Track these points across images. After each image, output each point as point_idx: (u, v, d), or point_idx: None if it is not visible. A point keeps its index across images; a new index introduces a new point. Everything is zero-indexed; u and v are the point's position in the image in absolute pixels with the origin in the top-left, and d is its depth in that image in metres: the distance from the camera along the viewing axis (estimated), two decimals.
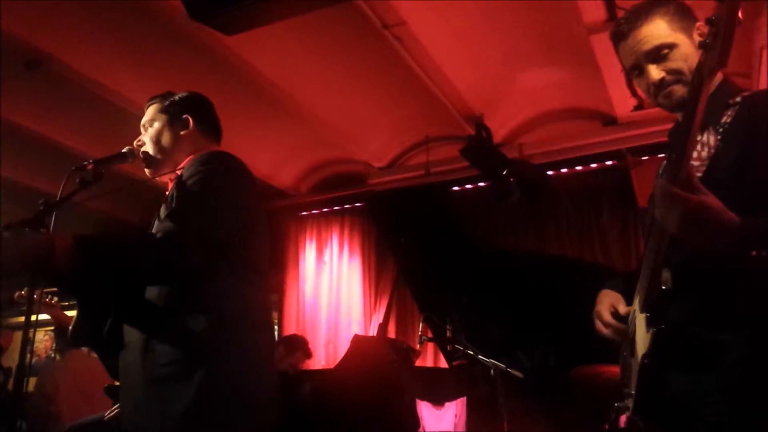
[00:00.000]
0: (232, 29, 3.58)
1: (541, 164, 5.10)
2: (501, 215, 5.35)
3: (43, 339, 7.57)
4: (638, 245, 4.97)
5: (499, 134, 5.16)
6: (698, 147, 1.52)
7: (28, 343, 1.76)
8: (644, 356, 1.45)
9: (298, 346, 4.64)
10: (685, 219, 1.29)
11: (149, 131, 2.09)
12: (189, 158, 2.04)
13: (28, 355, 1.72)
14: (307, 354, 4.76)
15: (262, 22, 3.50)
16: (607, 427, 2.89)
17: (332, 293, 6.13)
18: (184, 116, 2.10)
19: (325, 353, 5.90)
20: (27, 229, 1.64)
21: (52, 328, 7.38)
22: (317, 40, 4.13)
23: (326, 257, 6.29)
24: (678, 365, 1.48)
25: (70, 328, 1.85)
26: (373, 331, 5.68)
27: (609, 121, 5.06)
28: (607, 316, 1.68)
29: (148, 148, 2.08)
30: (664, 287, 1.46)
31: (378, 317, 5.78)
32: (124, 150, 2.07)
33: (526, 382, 3.22)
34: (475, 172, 5.06)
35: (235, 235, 1.83)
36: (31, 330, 1.77)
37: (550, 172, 5.19)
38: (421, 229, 4.71)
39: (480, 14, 3.98)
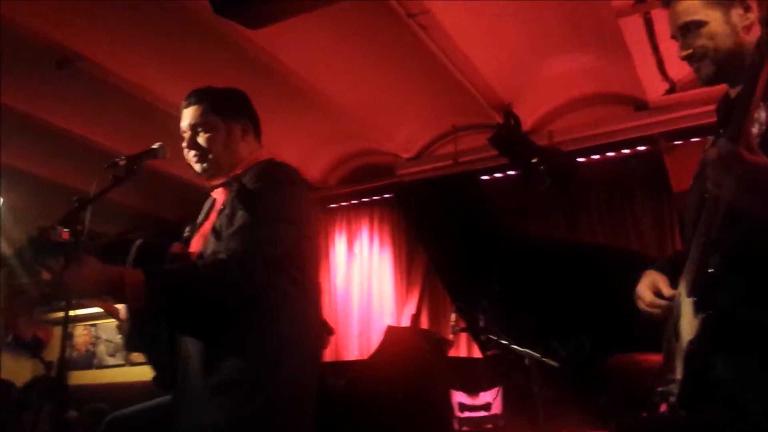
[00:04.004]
0: (256, 23, 3.60)
1: (571, 151, 5.04)
2: (531, 204, 5.29)
3: (81, 334, 7.74)
4: (673, 231, 4.88)
5: (527, 122, 5.11)
6: None
7: (67, 337, 1.79)
8: (691, 342, 1.42)
9: None
10: (744, 180, 1.26)
11: (204, 134, 1.99)
12: (245, 163, 2.01)
13: (68, 349, 1.74)
14: (329, 330, 4.77)
15: (286, 15, 3.51)
16: (647, 414, 2.85)
17: (363, 285, 6.14)
18: (243, 121, 2.05)
19: (358, 344, 5.92)
20: (98, 253, 1.67)
21: (91, 323, 7.61)
22: (342, 31, 4.12)
23: (356, 249, 6.30)
24: (725, 350, 1.45)
25: (124, 335, 1.86)
26: (405, 322, 5.68)
27: (640, 105, 4.97)
28: (650, 296, 1.65)
29: (209, 154, 1.99)
30: (711, 270, 1.44)
31: (410, 308, 5.78)
32: (154, 146, 2.00)
33: (562, 371, 3.19)
34: (504, 160, 5.02)
35: (297, 249, 1.87)
36: (70, 325, 1.80)
37: (580, 159, 5.12)
38: (450, 219, 4.69)
39: (505, 0, 3.93)
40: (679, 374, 1.48)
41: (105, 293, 1.64)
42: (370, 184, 6.18)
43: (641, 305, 1.69)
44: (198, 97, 2.03)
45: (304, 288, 1.89)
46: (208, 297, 1.72)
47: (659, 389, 1.58)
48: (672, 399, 1.51)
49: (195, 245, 1.99)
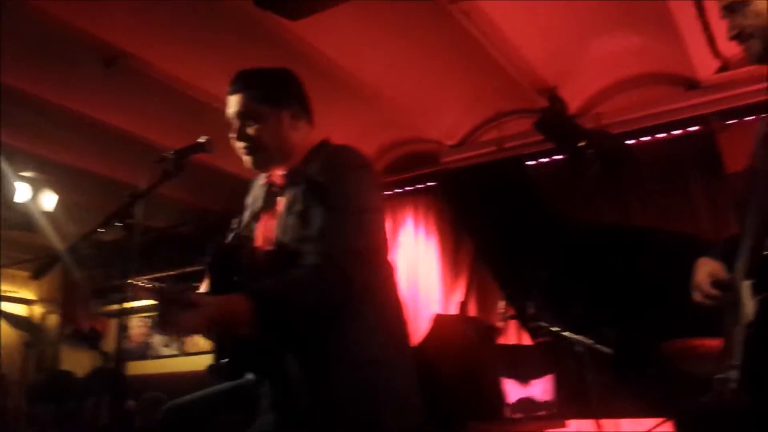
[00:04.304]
0: (296, 14, 3.61)
1: (620, 133, 4.91)
2: (580, 188, 5.19)
3: (137, 325, 7.95)
4: (728, 213, 4.73)
5: (574, 104, 5.00)
6: None
7: (123, 329, 1.82)
8: (749, 325, 1.38)
9: None
10: None
11: (252, 125, 1.92)
12: (299, 150, 1.97)
13: (124, 341, 1.78)
14: None
15: (326, 5, 3.51)
16: (705, 401, 2.77)
17: (410, 274, 6.13)
18: (293, 107, 1.98)
19: None
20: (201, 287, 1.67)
21: (146, 315, 7.81)
22: (382, 19, 4.10)
23: (401, 238, 6.29)
24: None
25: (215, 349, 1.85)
26: (452, 310, 5.66)
27: (691, 84, 4.82)
28: (707, 287, 1.60)
29: (256, 143, 1.93)
30: (767, 253, 1.39)
31: (457, 296, 5.75)
32: (201, 140, 2.00)
33: (615, 357, 3.13)
34: (550, 145, 4.93)
35: (377, 237, 1.85)
36: (126, 317, 1.84)
37: (630, 142, 5.00)
38: (496, 206, 4.64)
39: None
40: (738, 359, 1.43)
41: (219, 329, 1.64)
42: (414, 173, 6.16)
43: (698, 297, 1.65)
44: (244, 83, 1.95)
45: (385, 275, 1.88)
46: (315, 309, 1.69)
47: (718, 375, 1.54)
48: (732, 384, 1.47)
49: (260, 237, 1.96)
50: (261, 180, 2.13)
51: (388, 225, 6.21)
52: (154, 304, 1.63)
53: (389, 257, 1.94)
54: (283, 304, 1.65)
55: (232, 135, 1.97)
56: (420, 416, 1.82)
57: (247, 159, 1.96)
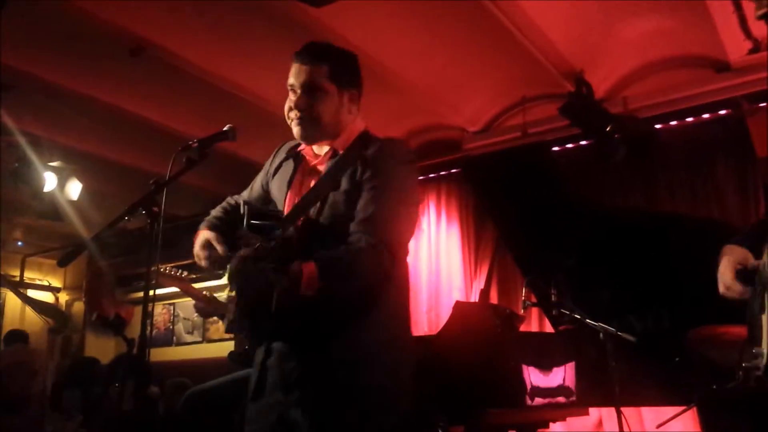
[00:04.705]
0: (320, 1, 3.59)
1: (647, 118, 4.83)
2: (606, 174, 5.11)
3: (161, 312, 8.07)
4: (757, 198, 4.64)
5: (600, 89, 4.92)
6: None
7: (147, 316, 1.85)
8: None
9: None
10: None
11: (316, 99, 1.93)
12: (347, 132, 2.00)
13: (148, 328, 1.81)
14: None
15: None
16: (730, 388, 2.74)
17: (431, 261, 6.12)
18: (355, 89, 2.02)
19: (428, 320, 5.92)
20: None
21: (170, 302, 7.93)
22: (406, 5, 4.06)
23: (424, 225, 6.27)
24: None
25: (227, 320, 1.89)
26: (474, 298, 5.64)
27: (721, 67, 4.71)
28: (730, 279, 1.57)
29: (315, 117, 1.94)
30: None
31: (479, 283, 5.73)
32: (225, 128, 2.04)
33: (639, 345, 3.09)
34: (576, 130, 4.87)
35: (414, 230, 1.95)
36: (150, 304, 1.86)
37: (657, 126, 4.90)
38: (520, 192, 4.59)
39: None
40: (765, 346, 1.40)
41: (300, 293, 1.67)
42: (437, 159, 6.13)
43: (721, 288, 1.62)
44: (316, 56, 1.96)
45: (404, 264, 1.96)
46: (364, 283, 1.78)
47: (744, 363, 1.51)
48: (758, 372, 1.44)
49: (289, 206, 1.99)
50: (286, 150, 2.16)
51: None
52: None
53: (406, 254, 2.00)
54: (342, 273, 1.74)
55: (290, 104, 1.98)
56: (409, 406, 1.87)
57: (296, 129, 1.97)
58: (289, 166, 2.09)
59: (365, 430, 1.75)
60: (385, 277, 1.79)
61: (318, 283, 1.66)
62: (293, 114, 1.95)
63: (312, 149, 2.03)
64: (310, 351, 1.78)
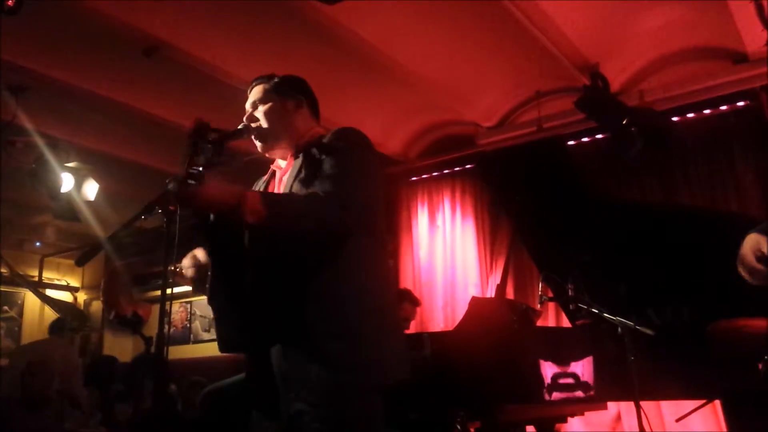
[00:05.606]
0: None
1: (664, 110, 4.78)
2: (623, 167, 5.06)
3: (178, 311, 8.13)
4: None
5: (616, 82, 4.89)
6: None
7: (165, 314, 1.85)
8: None
9: (403, 297, 4.64)
10: None
11: (262, 109, 2.14)
12: (306, 137, 2.11)
13: (166, 326, 1.81)
14: (414, 302, 4.76)
15: None
16: (753, 381, 2.70)
17: (447, 257, 6.11)
18: (298, 97, 2.18)
19: (444, 316, 5.92)
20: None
21: (187, 300, 7.97)
22: (420, 2, 4.05)
23: (439, 221, 6.27)
24: None
25: (207, 286, 1.95)
26: (490, 293, 5.62)
27: (739, 58, 4.65)
28: (752, 260, 1.54)
29: (264, 124, 2.12)
30: None
31: (495, 279, 5.71)
32: (240, 127, 2.11)
33: (658, 339, 3.06)
34: (591, 124, 4.83)
35: (374, 201, 1.97)
36: (168, 302, 1.86)
37: (675, 118, 4.85)
38: (536, 187, 4.55)
39: None
40: None
41: (225, 208, 1.73)
42: (451, 155, 6.12)
43: (741, 271, 1.59)
44: (259, 79, 2.21)
45: (378, 241, 1.99)
46: (309, 220, 1.80)
47: (766, 357, 1.49)
48: None
49: None
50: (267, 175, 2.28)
51: (404, 208, 6.27)
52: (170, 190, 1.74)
53: (382, 234, 2.04)
54: (286, 202, 1.86)
55: (245, 121, 2.15)
56: (400, 375, 1.90)
57: (257, 143, 2.14)
58: (265, 183, 2.22)
59: (365, 402, 1.79)
60: (344, 229, 1.82)
61: (263, 211, 1.70)
62: (252, 132, 2.13)
63: (279, 163, 2.18)
64: (300, 341, 1.81)
